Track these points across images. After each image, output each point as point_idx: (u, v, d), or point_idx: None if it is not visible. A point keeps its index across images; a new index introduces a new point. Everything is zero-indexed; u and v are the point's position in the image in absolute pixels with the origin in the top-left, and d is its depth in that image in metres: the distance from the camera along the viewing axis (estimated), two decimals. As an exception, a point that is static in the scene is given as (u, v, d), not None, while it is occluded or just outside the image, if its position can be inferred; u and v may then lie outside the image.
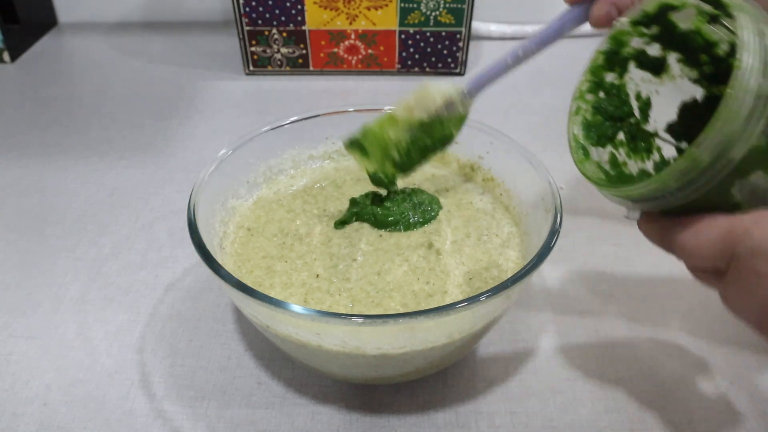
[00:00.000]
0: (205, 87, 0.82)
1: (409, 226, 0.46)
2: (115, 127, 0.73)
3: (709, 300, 0.49)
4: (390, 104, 0.52)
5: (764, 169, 0.28)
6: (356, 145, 0.46)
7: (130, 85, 0.83)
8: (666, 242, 0.31)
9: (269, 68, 0.84)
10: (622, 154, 0.36)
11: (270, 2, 0.78)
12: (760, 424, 0.40)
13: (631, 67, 0.36)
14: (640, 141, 0.37)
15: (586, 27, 0.39)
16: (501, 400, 0.42)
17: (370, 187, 0.50)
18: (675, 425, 0.40)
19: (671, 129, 0.36)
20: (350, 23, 0.80)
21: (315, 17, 0.79)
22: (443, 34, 0.81)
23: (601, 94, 0.37)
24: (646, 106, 0.37)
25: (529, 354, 0.45)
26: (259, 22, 0.80)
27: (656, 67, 0.35)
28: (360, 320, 0.33)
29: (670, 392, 0.42)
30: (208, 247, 0.38)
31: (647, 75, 0.36)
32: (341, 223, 0.47)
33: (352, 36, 0.81)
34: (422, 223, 0.47)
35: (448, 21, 0.80)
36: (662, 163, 0.36)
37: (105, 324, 0.48)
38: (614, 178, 0.35)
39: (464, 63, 0.84)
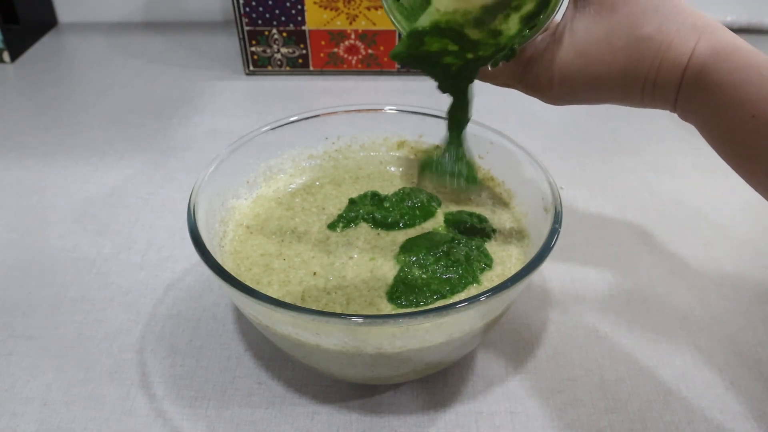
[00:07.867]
0: (205, 87, 0.82)
1: (407, 225, 0.46)
2: (115, 127, 0.73)
3: (709, 300, 0.49)
4: (390, 104, 0.52)
5: None
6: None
7: (130, 85, 0.83)
8: None
9: (269, 68, 0.84)
10: None
11: (270, 2, 0.78)
12: (760, 424, 0.40)
13: None
14: None
15: None
16: (501, 400, 0.42)
17: (369, 187, 0.50)
18: (675, 425, 0.40)
19: None
20: (350, 23, 0.80)
21: (315, 17, 0.79)
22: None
23: None
24: None
25: (529, 354, 0.45)
26: (259, 22, 0.80)
27: None
28: (360, 320, 0.34)
29: (670, 392, 0.42)
30: (208, 246, 0.38)
31: None
32: (335, 226, 0.47)
33: (352, 36, 0.81)
34: (421, 220, 0.47)
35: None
36: None
37: (105, 324, 0.48)
38: None
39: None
